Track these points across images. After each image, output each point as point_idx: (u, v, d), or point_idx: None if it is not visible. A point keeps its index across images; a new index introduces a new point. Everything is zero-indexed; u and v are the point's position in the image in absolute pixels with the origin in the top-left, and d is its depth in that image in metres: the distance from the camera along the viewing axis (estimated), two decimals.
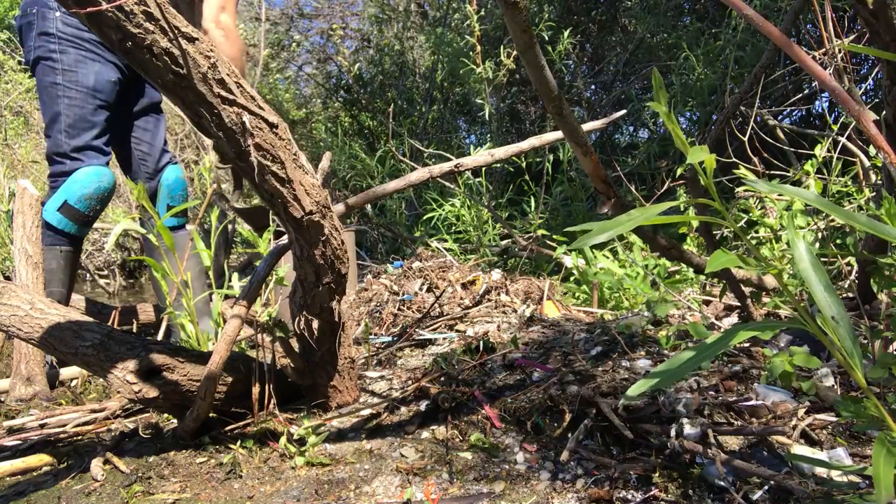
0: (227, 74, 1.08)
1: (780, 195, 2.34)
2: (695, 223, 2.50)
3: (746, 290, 1.70)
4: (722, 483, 1.04)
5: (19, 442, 1.57)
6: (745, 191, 2.63)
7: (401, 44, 6.12)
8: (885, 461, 0.68)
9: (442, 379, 1.64)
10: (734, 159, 2.47)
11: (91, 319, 1.40)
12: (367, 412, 1.55)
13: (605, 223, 0.74)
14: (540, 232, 3.32)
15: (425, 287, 2.61)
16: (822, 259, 2.06)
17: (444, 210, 3.87)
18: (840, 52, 1.76)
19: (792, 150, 3.04)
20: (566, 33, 3.96)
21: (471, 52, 3.74)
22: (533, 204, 3.59)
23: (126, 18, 0.95)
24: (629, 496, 1.07)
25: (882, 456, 0.68)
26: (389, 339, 2.24)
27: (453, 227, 3.87)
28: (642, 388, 0.74)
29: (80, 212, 2.13)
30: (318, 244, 1.31)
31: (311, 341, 1.48)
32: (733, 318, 1.92)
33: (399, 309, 2.47)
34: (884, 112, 1.30)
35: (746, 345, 1.60)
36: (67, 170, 2.12)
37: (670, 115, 0.74)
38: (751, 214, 2.43)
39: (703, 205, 0.91)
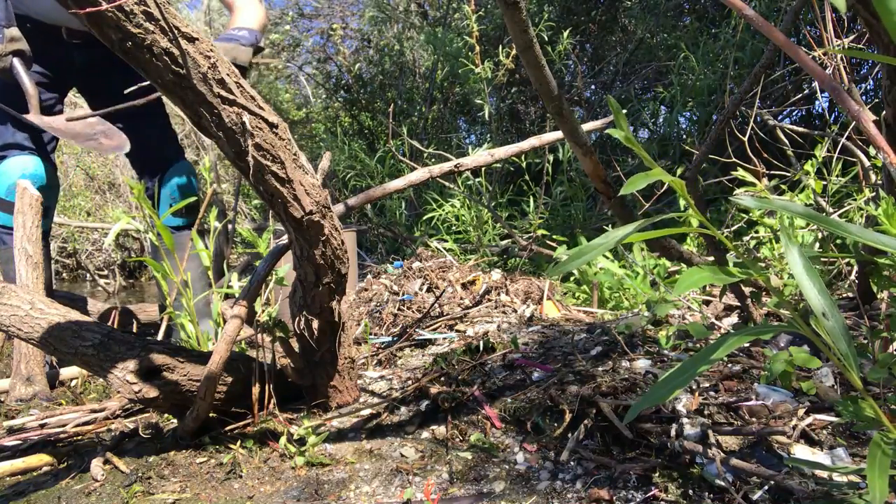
0: (227, 74, 1.08)
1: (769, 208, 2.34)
2: (695, 222, 2.50)
3: (746, 290, 1.70)
4: (722, 483, 1.04)
5: (19, 442, 1.57)
6: (745, 191, 2.63)
7: (401, 44, 6.11)
8: (879, 462, 0.68)
9: (442, 379, 1.64)
10: (734, 159, 2.47)
11: (91, 319, 1.40)
12: (367, 412, 1.55)
13: (592, 243, 0.75)
14: (540, 232, 3.32)
15: (425, 287, 2.60)
16: (823, 259, 2.06)
17: (444, 210, 3.87)
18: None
19: (792, 150, 3.03)
20: (566, 33, 3.96)
21: (470, 53, 3.74)
22: (533, 204, 3.59)
23: (126, 18, 0.95)
24: (629, 496, 1.07)
25: (877, 457, 0.68)
26: (389, 339, 2.24)
27: (453, 227, 3.86)
28: (636, 411, 0.76)
29: (13, 204, 2.12)
30: (318, 244, 1.31)
31: (311, 341, 1.48)
32: (733, 318, 1.92)
33: (399, 309, 2.47)
34: (884, 112, 1.30)
35: (746, 345, 1.60)
36: None
37: (631, 139, 0.74)
38: (750, 214, 2.43)
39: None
